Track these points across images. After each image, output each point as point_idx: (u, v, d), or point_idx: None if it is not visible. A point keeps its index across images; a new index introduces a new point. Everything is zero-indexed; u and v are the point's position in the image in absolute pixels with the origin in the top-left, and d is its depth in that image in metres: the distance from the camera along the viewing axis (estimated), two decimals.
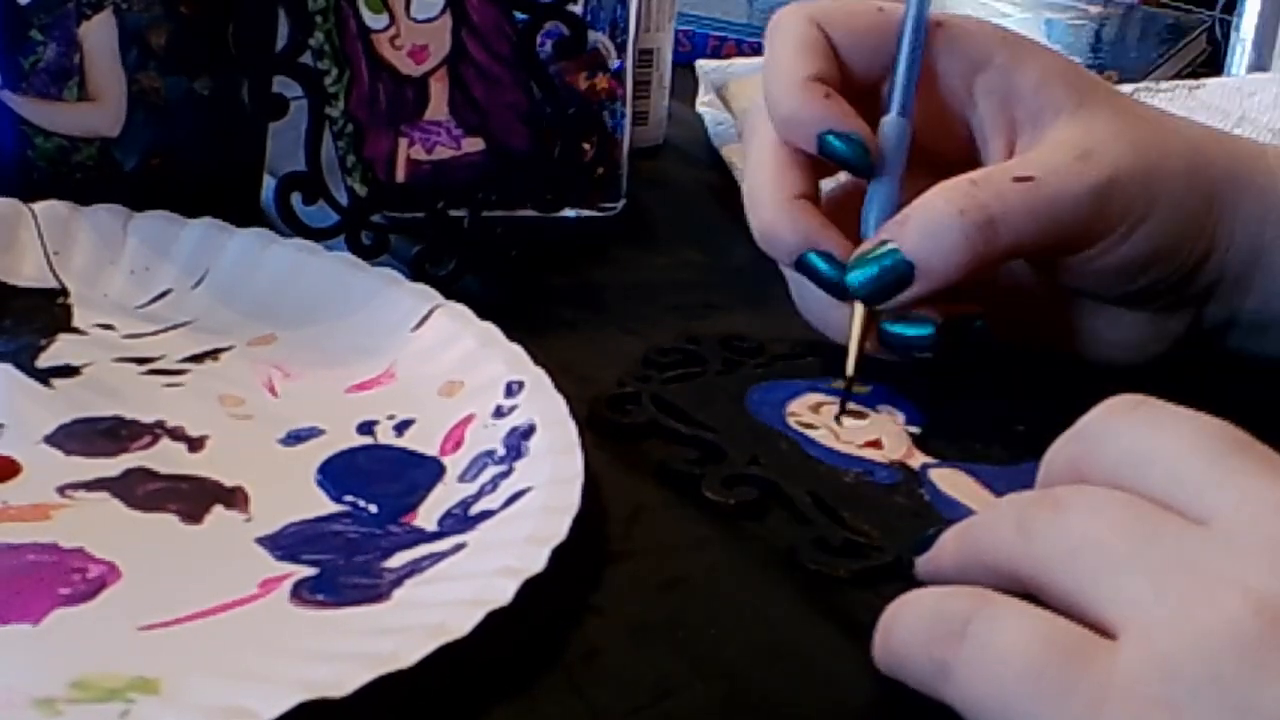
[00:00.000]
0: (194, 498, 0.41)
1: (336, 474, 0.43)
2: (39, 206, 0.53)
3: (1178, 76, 0.93)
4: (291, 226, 0.52)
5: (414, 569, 0.39)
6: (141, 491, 0.41)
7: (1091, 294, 0.50)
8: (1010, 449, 0.46)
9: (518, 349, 0.47)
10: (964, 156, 0.50)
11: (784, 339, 0.52)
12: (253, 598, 0.38)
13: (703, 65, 0.74)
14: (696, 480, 0.44)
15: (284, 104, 0.52)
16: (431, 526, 0.41)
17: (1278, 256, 0.49)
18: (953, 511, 0.43)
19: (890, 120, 0.48)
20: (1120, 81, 0.75)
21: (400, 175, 0.55)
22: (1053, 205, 0.46)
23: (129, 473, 0.42)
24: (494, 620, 0.35)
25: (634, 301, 0.56)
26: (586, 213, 0.62)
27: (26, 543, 0.39)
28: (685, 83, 0.75)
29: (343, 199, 0.53)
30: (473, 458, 0.44)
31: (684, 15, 0.85)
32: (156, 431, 0.44)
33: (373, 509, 0.42)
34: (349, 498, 0.42)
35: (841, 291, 0.47)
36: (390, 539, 0.40)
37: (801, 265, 0.48)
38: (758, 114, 0.50)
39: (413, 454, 0.44)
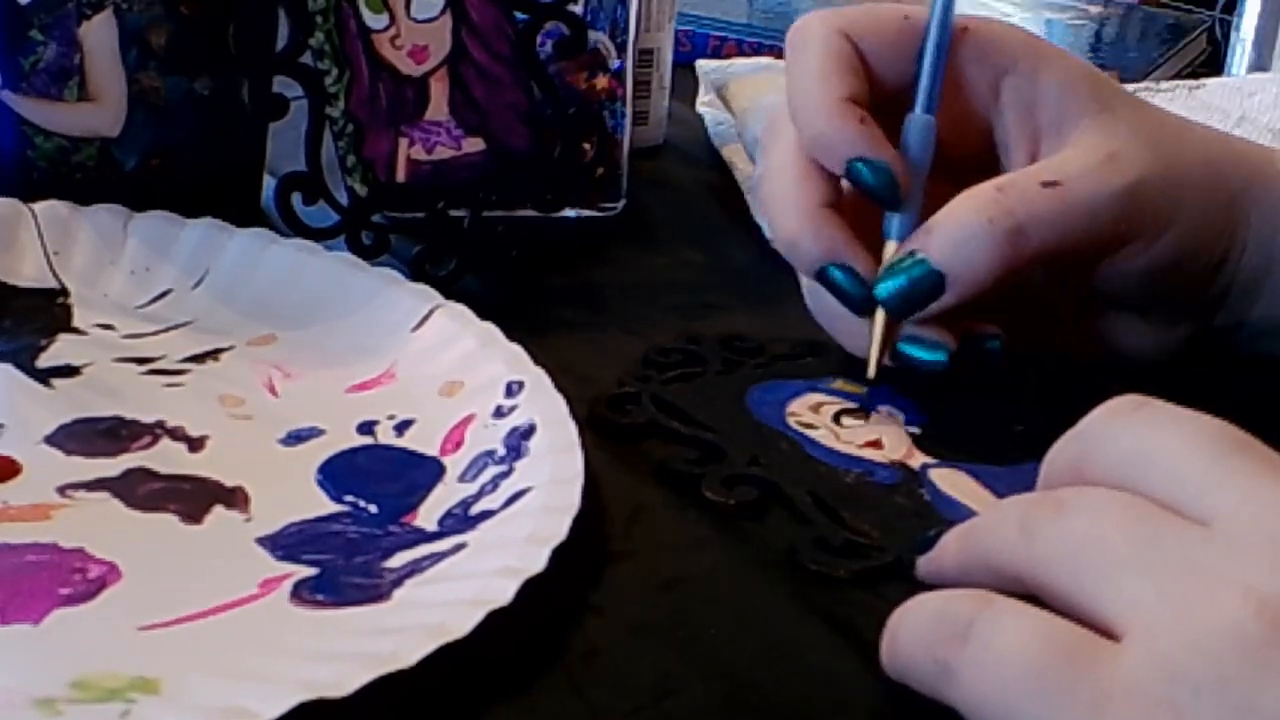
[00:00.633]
0: (194, 498, 0.41)
1: (337, 474, 0.43)
2: (39, 206, 0.53)
3: (1178, 76, 0.93)
4: (291, 226, 0.52)
5: (414, 569, 0.39)
6: (142, 491, 0.41)
7: (1113, 300, 0.50)
8: (1011, 450, 0.46)
9: (518, 349, 0.47)
10: (983, 161, 0.50)
11: (784, 339, 0.52)
12: (253, 598, 0.38)
13: (703, 65, 0.74)
14: (696, 480, 0.44)
15: (284, 104, 0.52)
16: (432, 526, 0.41)
17: None
18: (953, 512, 0.43)
19: (916, 117, 0.48)
20: (1120, 82, 0.75)
21: (400, 175, 0.55)
22: (1081, 210, 0.46)
23: (129, 473, 0.42)
24: (494, 620, 0.35)
25: (634, 301, 0.56)
26: (586, 213, 0.62)
27: (26, 543, 0.39)
28: (685, 83, 0.75)
29: (343, 199, 0.53)
30: (473, 458, 0.44)
31: (684, 15, 0.85)
32: (157, 431, 0.44)
33: (373, 509, 0.42)
34: (349, 498, 0.42)
35: (860, 308, 0.47)
36: (390, 539, 0.40)
37: (823, 277, 0.47)
38: (779, 118, 0.49)
39: (413, 454, 0.44)
